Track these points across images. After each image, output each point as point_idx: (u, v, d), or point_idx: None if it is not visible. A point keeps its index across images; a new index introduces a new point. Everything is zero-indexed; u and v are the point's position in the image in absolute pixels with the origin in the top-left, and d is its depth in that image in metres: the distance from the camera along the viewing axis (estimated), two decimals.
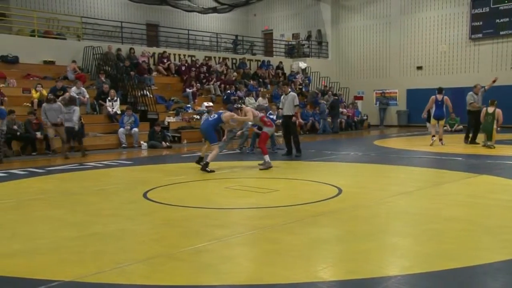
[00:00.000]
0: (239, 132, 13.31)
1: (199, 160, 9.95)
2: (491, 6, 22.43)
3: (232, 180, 8.54)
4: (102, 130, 15.46)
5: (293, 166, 10.76)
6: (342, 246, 4.55)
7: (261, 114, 10.69)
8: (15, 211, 6.26)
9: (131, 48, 19.95)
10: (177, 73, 20.97)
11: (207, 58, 22.68)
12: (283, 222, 5.33)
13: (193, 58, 22.12)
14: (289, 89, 12.76)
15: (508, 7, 22.01)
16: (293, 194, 7.26)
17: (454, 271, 3.77)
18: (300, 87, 24.44)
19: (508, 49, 22.18)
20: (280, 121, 12.77)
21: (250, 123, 11.87)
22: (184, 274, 3.81)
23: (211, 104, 18.23)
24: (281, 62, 25.71)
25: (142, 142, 15.10)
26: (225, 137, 13.40)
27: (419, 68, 24.91)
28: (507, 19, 22.03)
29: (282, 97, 12.39)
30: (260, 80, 23.59)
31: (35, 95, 14.73)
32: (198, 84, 20.33)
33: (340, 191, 7.21)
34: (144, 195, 7.14)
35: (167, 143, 15.23)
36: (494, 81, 14.79)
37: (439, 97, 14.02)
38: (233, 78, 22.18)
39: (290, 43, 28.25)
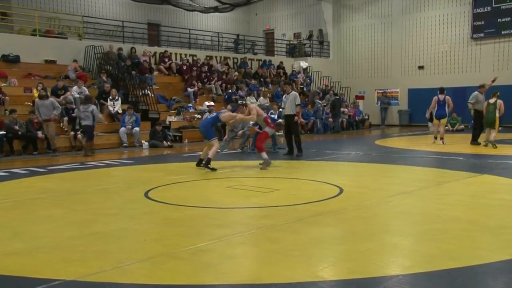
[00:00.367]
0: (240, 132, 13.32)
1: (199, 162, 9.94)
2: (493, 6, 22.39)
3: (233, 179, 8.53)
4: (103, 129, 15.47)
5: (294, 165, 10.76)
6: (343, 245, 4.55)
7: (265, 115, 10.68)
8: (16, 210, 6.26)
9: (132, 48, 19.99)
10: (179, 73, 20.98)
11: (208, 58, 22.70)
12: (284, 222, 5.33)
13: (195, 58, 22.14)
14: (291, 89, 12.75)
15: (510, 6, 21.96)
16: (294, 193, 7.24)
17: (455, 271, 3.77)
18: (302, 86, 24.43)
19: (510, 48, 22.15)
20: (282, 120, 12.76)
21: (251, 122, 11.86)
22: (185, 273, 3.81)
23: (212, 103, 18.27)
24: (282, 62, 25.71)
25: (143, 141, 15.11)
26: (226, 136, 13.43)
27: (421, 67, 24.88)
28: (509, 19, 21.99)
29: (284, 96, 12.40)
30: (261, 79, 23.61)
31: (36, 94, 14.74)
32: (199, 84, 20.35)
33: (341, 190, 7.20)
34: (145, 194, 7.14)
35: (168, 143, 15.24)
36: (493, 81, 14.78)
37: (441, 97, 14.20)
38: (234, 78, 22.19)
39: (291, 42, 28.23)
